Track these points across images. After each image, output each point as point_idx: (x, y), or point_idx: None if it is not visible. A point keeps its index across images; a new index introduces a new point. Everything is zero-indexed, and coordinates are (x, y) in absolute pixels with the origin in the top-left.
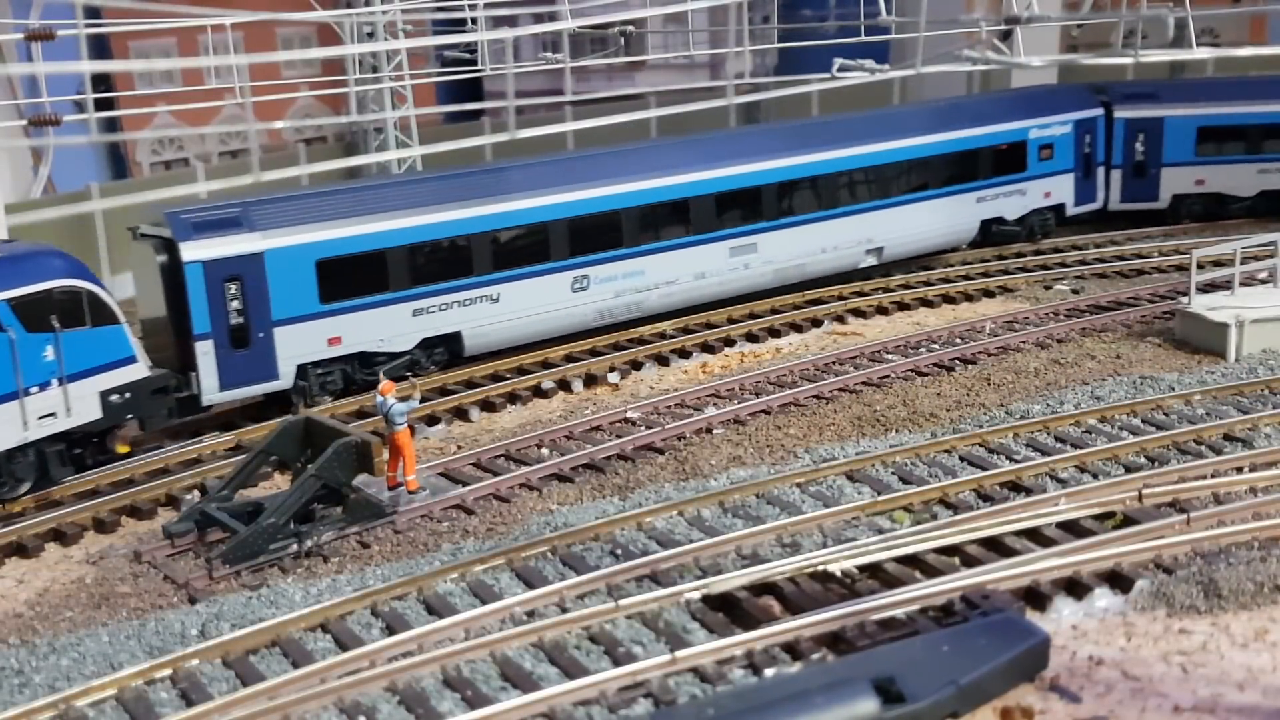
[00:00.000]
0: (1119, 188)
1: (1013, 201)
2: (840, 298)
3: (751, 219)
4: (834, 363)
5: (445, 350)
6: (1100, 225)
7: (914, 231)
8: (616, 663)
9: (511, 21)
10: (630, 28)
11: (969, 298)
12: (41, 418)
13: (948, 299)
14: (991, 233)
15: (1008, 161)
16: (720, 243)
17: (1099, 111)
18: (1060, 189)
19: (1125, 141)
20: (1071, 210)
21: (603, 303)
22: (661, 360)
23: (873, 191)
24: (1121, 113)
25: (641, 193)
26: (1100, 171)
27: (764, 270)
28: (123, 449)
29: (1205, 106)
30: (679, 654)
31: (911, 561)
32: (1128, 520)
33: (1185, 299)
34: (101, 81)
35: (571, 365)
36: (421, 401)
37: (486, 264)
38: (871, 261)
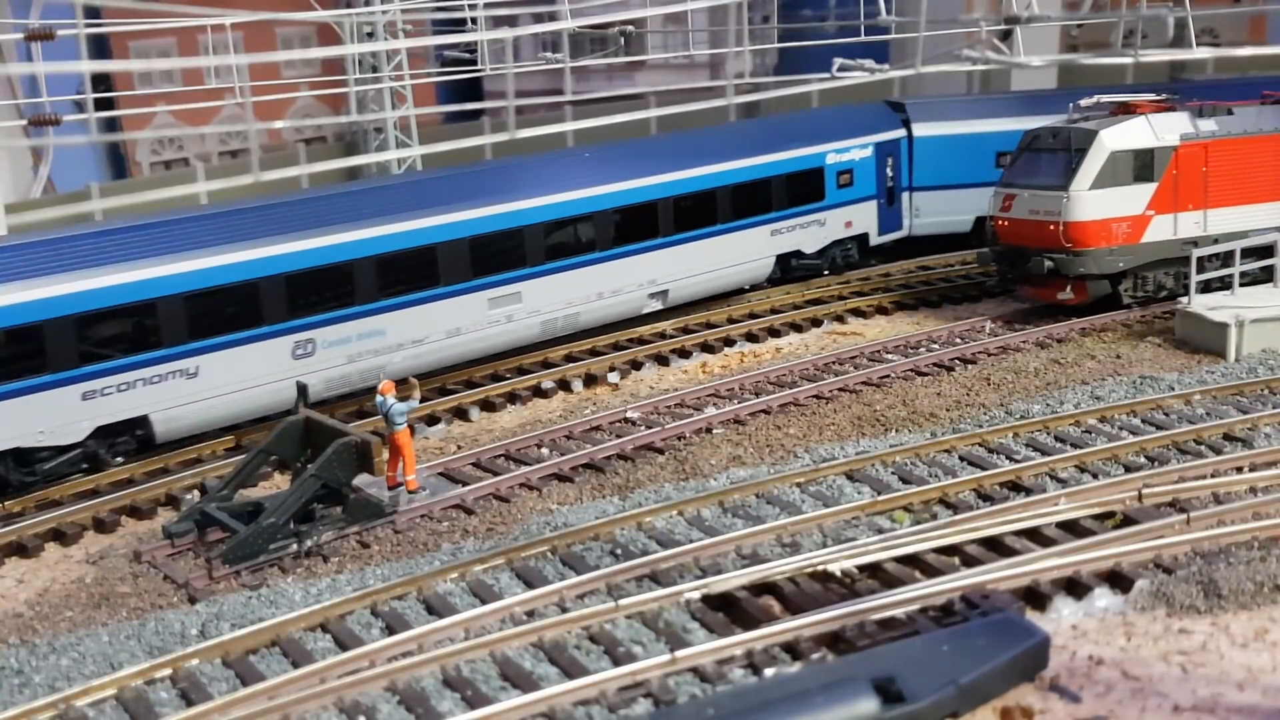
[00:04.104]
0: None
1: None
2: (840, 298)
3: None
4: (834, 363)
5: None
6: None
7: None
8: (616, 662)
9: (511, 21)
10: (630, 28)
11: (969, 298)
12: None
13: (948, 299)
14: None
15: None
16: None
17: None
18: None
19: None
20: None
21: None
22: (661, 360)
23: None
24: None
25: None
26: None
27: None
28: None
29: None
30: (679, 654)
31: (911, 561)
32: (1128, 520)
33: (1185, 299)
34: (101, 81)
35: (571, 365)
36: (421, 401)
37: None
38: None
